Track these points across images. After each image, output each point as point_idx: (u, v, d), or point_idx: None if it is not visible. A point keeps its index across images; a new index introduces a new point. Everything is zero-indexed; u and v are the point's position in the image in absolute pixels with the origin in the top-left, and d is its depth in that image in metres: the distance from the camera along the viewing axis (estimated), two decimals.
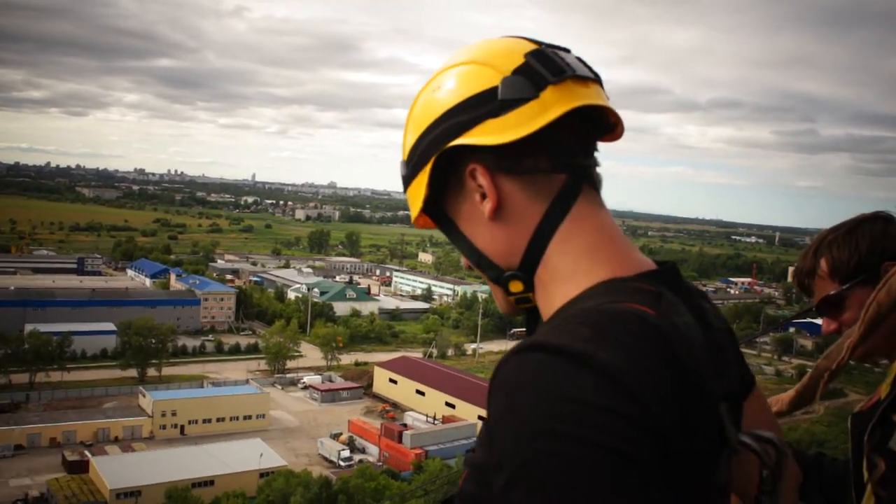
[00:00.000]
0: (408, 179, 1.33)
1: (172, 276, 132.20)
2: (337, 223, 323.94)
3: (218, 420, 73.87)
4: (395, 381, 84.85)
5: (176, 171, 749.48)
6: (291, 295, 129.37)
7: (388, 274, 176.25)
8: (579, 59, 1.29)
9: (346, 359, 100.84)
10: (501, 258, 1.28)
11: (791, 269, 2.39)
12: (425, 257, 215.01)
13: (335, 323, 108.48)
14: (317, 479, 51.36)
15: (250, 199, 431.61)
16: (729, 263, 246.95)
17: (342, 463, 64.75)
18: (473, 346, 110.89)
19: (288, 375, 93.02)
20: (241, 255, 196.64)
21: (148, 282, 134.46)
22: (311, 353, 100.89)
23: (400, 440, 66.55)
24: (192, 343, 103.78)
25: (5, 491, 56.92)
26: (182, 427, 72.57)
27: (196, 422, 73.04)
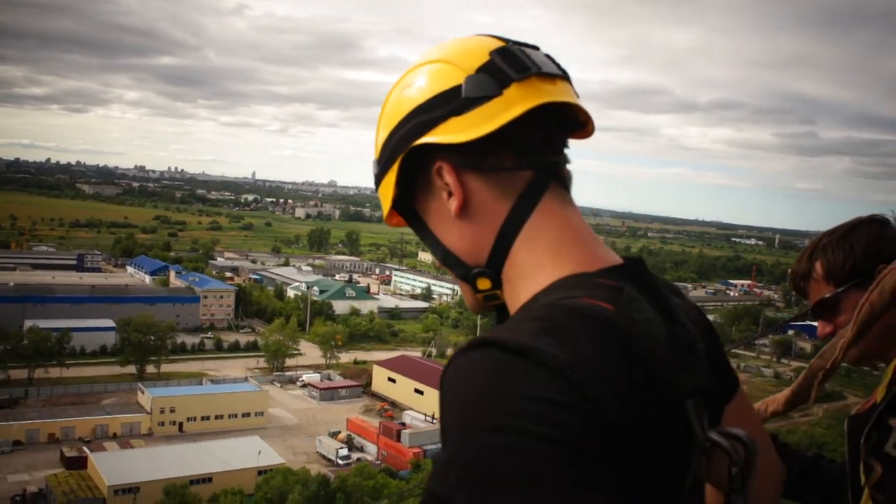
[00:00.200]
0: (378, 178, 1.34)
1: (172, 274, 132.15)
2: (337, 222, 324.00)
3: (216, 417, 73.89)
4: (393, 380, 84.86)
5: (176, 168, 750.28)
6: (291, 293, 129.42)
7: (387, 273, 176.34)
8: (548, 57, 1.28)
9: (345, 357, 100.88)
10: (468, 256, 1.28)
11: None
12: (425, 256, 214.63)
13: (334, 321, 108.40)
14: (315, 477, 51.34)
15: (250, 197, 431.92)
16: (729, 265, 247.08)
17: (340, 461, 64.80)
18: None
19: (287, 373, 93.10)
20: (241, 252, 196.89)
21: (147, 279, 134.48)
22: (310, 352, 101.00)
23: (398, 439, 66.56)
24: (191, 340, 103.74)
25: (3, 486, 56.86)
26: (181, 424, 72.59)
27: (195, 419, 73.08)
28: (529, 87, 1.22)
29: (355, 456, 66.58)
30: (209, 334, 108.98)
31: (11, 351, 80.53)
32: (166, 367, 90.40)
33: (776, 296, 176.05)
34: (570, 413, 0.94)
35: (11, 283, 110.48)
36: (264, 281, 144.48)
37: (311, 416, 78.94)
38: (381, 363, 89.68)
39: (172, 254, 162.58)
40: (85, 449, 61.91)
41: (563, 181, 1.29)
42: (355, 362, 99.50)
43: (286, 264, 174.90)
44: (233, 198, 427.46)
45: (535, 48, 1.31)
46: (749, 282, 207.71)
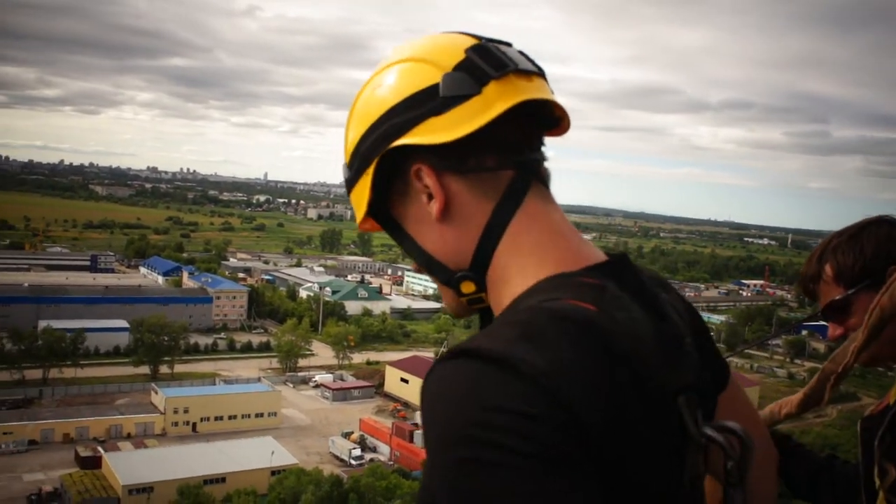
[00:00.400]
0: (351, 182, 1.30)
1: (185, 274, 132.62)
2: (349, 222, 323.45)
3: (230, 418, 74.09)
4: (406, 381, 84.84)
5: (188, 169, 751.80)
6: (303, 294, 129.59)
7: (399, 273, 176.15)
8: (522, 53, 1.26)
9: (358, 358, 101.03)
10: (451, 259, 1.25)
11: None
12: None
13: (347, 322, 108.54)
14: (328, 477, 51.43)
15: (262, 198, 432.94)
16: (741, 265, 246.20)
17: (353, 461, 64.90)
18: None
19: (299, 374, 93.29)
20: (254, 253, 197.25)
21: (160, 279, 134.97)
22: (322, 352, 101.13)
23: (411, 439, 66.56)
24: (204, 341, 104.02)
25: (19, 486, 57.26)
26: (194, 424, 72.84)
27: (208, 419, 73.30)
28: (508, 85, 1.19)
29: (368, 456, 66.70)
30: (222, 335, 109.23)
31: (26, 351, 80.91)
32: (179, 368, 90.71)
33: (789, 296, 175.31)
34: (543, 423, 0.93)
35: (26, 284, 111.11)
36: (277, 281, 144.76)
37: (323, 416, 79.06)
38: (394, 364, 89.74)
39: (185, 254, 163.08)
40: (99, 449, 62.21)
41: (543, 179, 1.26)
42: (368, 363, 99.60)
43: (298, 265, 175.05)
44: (245, 198, 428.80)
45: (509, 45, 1.28)
46: (762, 282, 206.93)
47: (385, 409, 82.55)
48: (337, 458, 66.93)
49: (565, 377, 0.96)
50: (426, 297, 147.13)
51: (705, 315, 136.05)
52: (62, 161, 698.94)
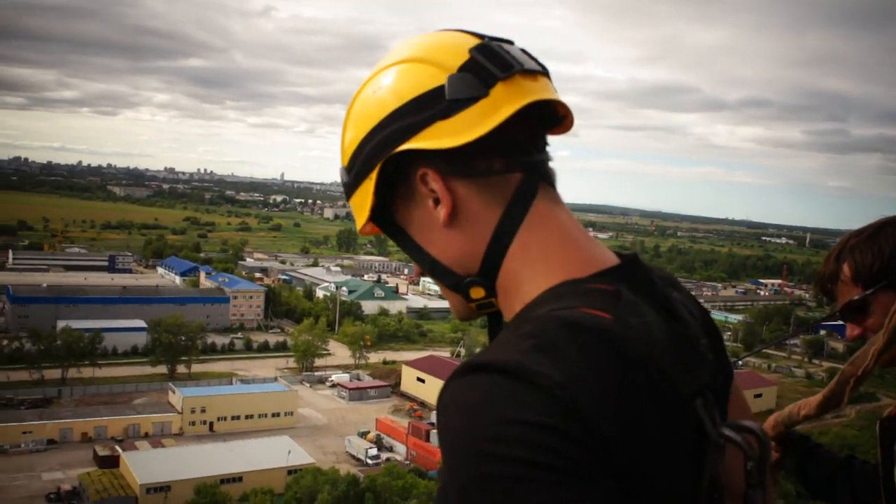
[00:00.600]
0: (351, 187, 1.27)
1: (202, 274, 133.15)
2: None
3: (247, 417, 74.30)
4: (422, 380, 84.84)
5: (205, 170, 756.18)
6: (320, 293, 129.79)
7: (415, 273, 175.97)
8: (524, 52, 1.24)
9: (374, 357, 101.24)
10: (458, 264, 1.23)
11: None
12: None
13: (363, 321, 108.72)
14: (344, 476, 51.54)
15: (279, 198, 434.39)
16: (759, 265, 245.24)
17: (370, 461, 64.93)
18: None
19: (316, 373, 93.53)
20: (270, 253, 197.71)
21: (178, 280, 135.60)
22: (339, 352, 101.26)
23: (427, 439, 66.51)
24: (221, 340, 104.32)
25: (38, 484, 57.62)
26: (211, 424, 73.10)
27: (225, 419, 73.54)
28: (514, 86, 1.17)
29: (384, 456, 66.73)
30: (239, 334, 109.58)
31: (45, 351, 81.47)
32: (197, 368, 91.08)
33: (807, 295, 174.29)
34: (561, 436, 0.93)
35: (44, 285, 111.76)
36: (293, 281, 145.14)
37: (340, 416, 79.16)
38: (410, 363, 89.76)
39: (202, 255, 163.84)
40: (117, 448, 62.49)
41: (550, 180, 1.25)
42: (384, 362, 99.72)
43: (315, 265, 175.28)
44: (261, 199, 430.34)
45: (511, 42, 1.25)
46: (780, 281, 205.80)
47: (401, 408, 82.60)
48: (353, 457, 66.98)
49: (579, 388, 0.95)
50: (442, 297, 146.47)
51: (722, 314, 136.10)
52: (80, 162, 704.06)
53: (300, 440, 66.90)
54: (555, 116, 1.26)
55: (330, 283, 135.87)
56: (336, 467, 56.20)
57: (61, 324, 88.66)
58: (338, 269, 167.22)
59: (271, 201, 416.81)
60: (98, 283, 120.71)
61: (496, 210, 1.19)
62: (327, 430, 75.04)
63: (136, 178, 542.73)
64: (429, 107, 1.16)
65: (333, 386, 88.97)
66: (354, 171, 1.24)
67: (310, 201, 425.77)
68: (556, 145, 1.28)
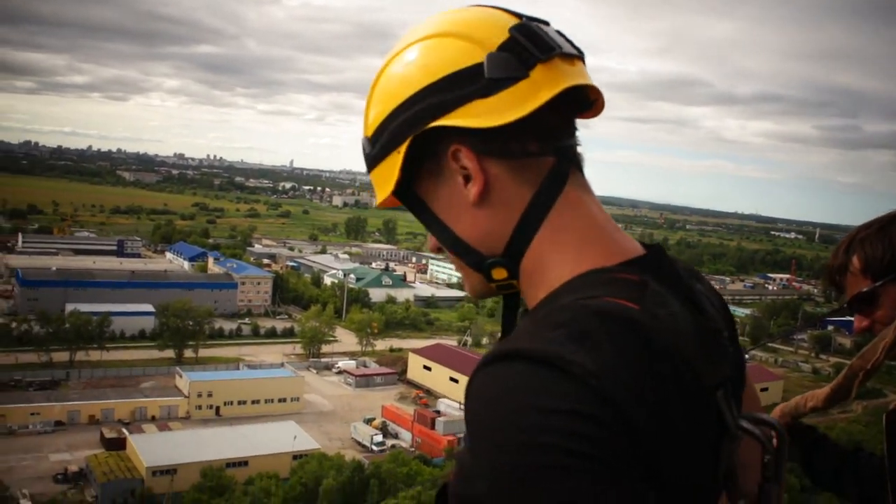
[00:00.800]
0: (375, 159, 1.24)
1: (210, 260, 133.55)
2: (374, 210, 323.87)
3: (253, 402, 74.53)
4: (429, 368, 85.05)
5: (215, 156, 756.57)
6: (328, 280, 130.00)
7: (424, 261, 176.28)
8: (560, 34, 1.22)
9: (381, 345, 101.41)
10: (483, 244, 1.21)
11: None
12: None
13: (370, 309, 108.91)
14: (349, 462, 51.70)
15: (288, 185, 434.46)
16: (768, 259, 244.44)
17: (375, 448, 65.16)
18: None
19: (323, 360, 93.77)
20: (279, 240, 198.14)
21: (186, 265, 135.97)
22: (346, 339, 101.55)
23: (433, 426, 66.74)
24: (228, 326, 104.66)
25: (46, 465, 57.99)
26: (217, 408, 73.37)
27: (231, 403, 73.80)
28: (553, 69, 1.16)
29: (390, 443, 66.91)
30: (246, 320, 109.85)
31: (54, 334, 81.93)
32: (204, 352, 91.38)
33: (816, 290, 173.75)
34: (596, 424, 0.93)
35: (54, 268, 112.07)
36: (301, 268, 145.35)
37: (346, 402, 79.38)
38: (417, 351, 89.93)
39: (211, 240, 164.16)
40: (124, 430, 62.84)
41: (579, 165, 1.23)
42: (391, 350, 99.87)
43: (323, 252, 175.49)
44: (271, 185, 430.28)
45: (547, 23, 1.24)
46: (788, 276, 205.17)
47: (407, 396, 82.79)
48: (359, 443, 67.22)
49: (612, 377, 0.95)
50: (450, 286, 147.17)
51: (730, 308, 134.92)
52: (90, 147, 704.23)
53: (306, 426, 67.11)
54: (585, 101, 1.24)
55: (338, 270, 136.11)
56: (341, 453, 56.31)
57: (70, 307, 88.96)
58: (346, 256, 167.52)
59: (280, 188, 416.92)
60: (107, 267, 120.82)
61: (527, 192, 1.18)
62: (333, 416, 75.26)
63: (145, 163, 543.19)
64: (467, 84, 1.14)
65: (340, 372, 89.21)
66: (380, 144, 1.21)
67: (319, 189, 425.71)
68: None
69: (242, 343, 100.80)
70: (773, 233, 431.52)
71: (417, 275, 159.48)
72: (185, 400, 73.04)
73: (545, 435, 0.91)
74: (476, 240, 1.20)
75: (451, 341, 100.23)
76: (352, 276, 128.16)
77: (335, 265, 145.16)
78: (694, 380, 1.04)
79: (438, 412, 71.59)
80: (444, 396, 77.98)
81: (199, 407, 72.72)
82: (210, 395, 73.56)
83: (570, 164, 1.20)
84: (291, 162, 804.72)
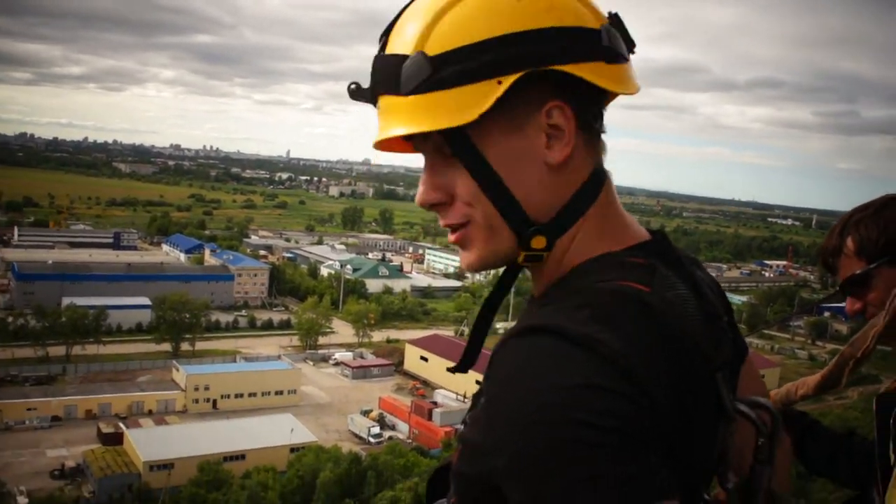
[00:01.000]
0: (441, 83, 1.10)
1: (207, 252, 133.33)
2: (370, 200, 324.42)
3: (250, 395, 74.52)
4: (425, 359, 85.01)
5: (211, 146, 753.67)
6: (324, 271, 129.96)
7: (420, 251, 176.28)
8: None
9: (378, 336, 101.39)
10: (534, 208, 1.16)
11: None
12: None
13: (367, 300, 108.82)
14: (347, 454, 51.71)
15: (284, 176, 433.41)
16: (765, 246, 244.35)
17: (372, 439, 65.17)
18: (505, 324, 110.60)
19: (320, 352, 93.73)
20: (275, 231, 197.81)
21: (182, 257, 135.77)
22: (342, 330, 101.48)
23: (430, 418, 66.82)
24: (225, 318, 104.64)
25: (43, 461, 57.95)
26: (214, 401, 73.35)
27: (228, 396, 73.78)
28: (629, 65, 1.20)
29: (387, 434, 66.97)
30: (243, 312, 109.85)
31: (50, 328, 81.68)
32: (200, 345, 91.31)
33: (812, 277, 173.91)
34: (625, 401, 0.94)
35: (50, 261, 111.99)
36: (298, 259, 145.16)
37: (343, 394, 79.38)
38: (414, 342, 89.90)
39: (207, 232, 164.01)
40: (121, 425, 62.80)
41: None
42: (388, 341, 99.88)
43: (320, 243, 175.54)
44: (267, 176, 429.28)
45: None
46: (785, 263, 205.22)
47: (404, 387, 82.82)
48: (356, 435, 67.23)
49: (636, 356, 0.97)
50: (447, 276, 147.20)
51: (727, 296, 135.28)
52: (86, 138, 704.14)
53: (303, 418, 67.12)
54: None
55: (334, 261, 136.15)
56: (338, 445, 56.38)
57: (66, 301, 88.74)
58: (342, 247, 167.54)
59: (277, 179, 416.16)
60: (103, 259, 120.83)
61: (589, 168, 1.18)
62: (330, 408, 75.27)
63: (141, 154, 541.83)
64: (591, 44, 1.12)
65: (337, 364, 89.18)
66: (461, 68, 1.09)
67: (315, 179, 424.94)
68: None
69: (239, 335, 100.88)
70: (770, 219, 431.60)
71: (414, 265, 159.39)
72: (181, 393, 72.99)
73: (571, 409, 0.92)
74: (531, 203, 1.15)
75: (447, 332, 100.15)
76: (348, 266, 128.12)
77: (332, 256, 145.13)
78: (700, 361, 1.07)
79: (435, 403, 71.67)
80: (441, 387, 77.98)
81: (196, 400, 72.68)
82: (207, 388, 73.51)
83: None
84: (288, 152, 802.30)
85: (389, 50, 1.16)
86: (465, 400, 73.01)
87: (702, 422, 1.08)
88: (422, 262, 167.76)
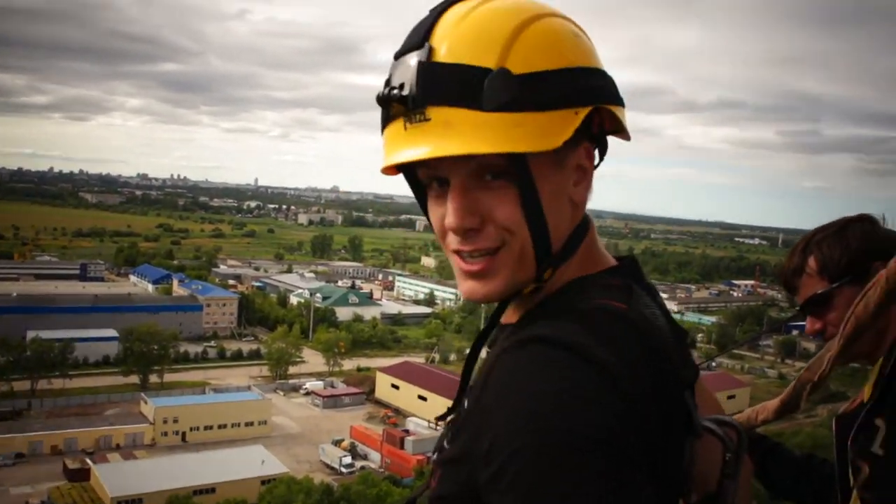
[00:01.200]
0: (529, 104, 1.06)
1: (175, 282, 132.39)
2: (339, 227, 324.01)
3: (220, 427, 73.83)
4: (397, 387, 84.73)
5: (179, 175, 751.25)
6: (294, 300, 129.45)
7: (390, 278, 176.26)
8: None
9: (349, 364, 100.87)
10: (556, 241, 1.16)
11: None
12: (428, 261, 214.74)
13: (337, 328, 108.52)
14: (318, 485, 51.33)
15: (253, 204, 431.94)
16: (732, 266, 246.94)
17: (344, 469, 64.66)
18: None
19: (290, 381, 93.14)
20: (244, 260, 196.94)
21: (150, 287, 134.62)
22: (313, 359, 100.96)
23: (402, 446, 66.44)
24: (194, 349, 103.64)
25: (6, 500, 56.89)
26: (184, 434, 72.55)
27: (198, 428, 73.04)
28: None
29: (359, 464, 66.45)
30: (212, 343, 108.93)
31: (14, 362, 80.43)
32: (169, 377, 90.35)
33: (780, 296, 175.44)
34: (615, 414, 0.95)
35: (14, 294, 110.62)
36: (267, 288, 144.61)
37: (314, 423, 78.85)
38: (385, 370, 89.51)
39: (175, 262, 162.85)
40: (88, 461, 61.89)
41: None
42: (358, 369, 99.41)
43: (289, 271, 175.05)
44: (235, 204, 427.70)
45: None
46: (753, 282, 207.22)
47: (376, 415, 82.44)
48: (327, 466, 66.73)
49: (629, 372, 0.99)
50: (417, 302, 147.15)
51: (696, 316, 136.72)
52: (52, 168, 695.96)
53: (274, 449, 66.60)
54: None
55: (304, 289, 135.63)
56: (310, 476, 55.91)
57: (31, 334, 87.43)
58: (312, 275, 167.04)
59: (245, 207, 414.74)
60: (69, 291, 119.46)
61: (586, 203, 1.21)
62: (301, 438, 74.72)
63: (108, 184, 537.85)
64: (611, 87, 1.15)
65: (307, 394, 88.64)
66: (551, 92, 1.08)
67: (284, 207, 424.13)
68: None
69: (208, 366, 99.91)
70: (737, 239, 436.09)
71: (384, 292, 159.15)
72: (150, 427, 72.13)
73: (563, 418, 0.92)
74: (556, 235, 1.16)
75: (418, 359, 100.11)
76: (318, 295, 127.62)
77: (301, 284, 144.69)
78: (674, 378, 1.10)
79: (407, 431, 71.31)
80: (413, 415, 77.67)
81: (165, 433, 71.85)
82: (176, 420, 72.73)
83: None
84: (256, 180, 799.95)
85: (445, 59, 1.07)
86: (437, 427, 72.66)
87: (676, 438, 1.10)
88: (391, 288, 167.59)
